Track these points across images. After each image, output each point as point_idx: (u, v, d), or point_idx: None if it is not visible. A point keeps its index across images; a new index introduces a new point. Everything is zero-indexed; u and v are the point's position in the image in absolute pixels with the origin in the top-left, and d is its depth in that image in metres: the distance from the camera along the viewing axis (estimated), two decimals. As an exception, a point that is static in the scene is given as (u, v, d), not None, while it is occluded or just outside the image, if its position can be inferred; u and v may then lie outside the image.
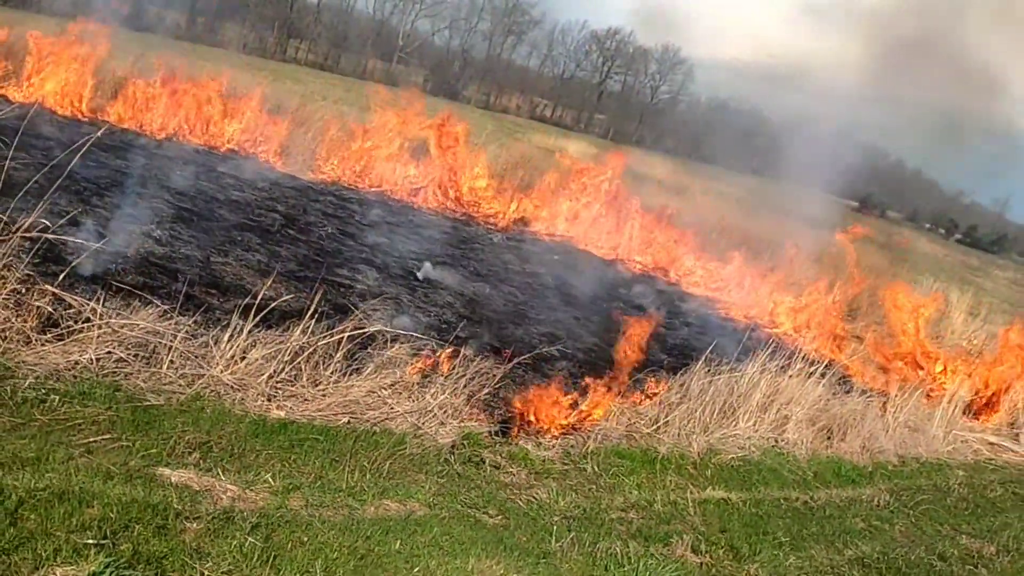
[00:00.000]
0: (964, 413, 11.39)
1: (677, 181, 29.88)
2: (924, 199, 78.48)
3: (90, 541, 3.88)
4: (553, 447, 6.74)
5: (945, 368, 12.84)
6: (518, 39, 79.23)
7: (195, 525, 4.28)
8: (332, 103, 25.34)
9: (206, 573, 3.92)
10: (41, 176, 7.37)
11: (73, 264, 6.23)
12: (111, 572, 3.59)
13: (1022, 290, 38.05)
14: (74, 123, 12.80)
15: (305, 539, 4.45)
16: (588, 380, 7.51)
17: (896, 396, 10.34)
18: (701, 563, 5.67)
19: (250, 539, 4.28)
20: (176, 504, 4.41)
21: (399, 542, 4.71)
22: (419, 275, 10.46)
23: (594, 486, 6.41)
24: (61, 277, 5.91)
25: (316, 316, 6.42)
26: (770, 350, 9.04)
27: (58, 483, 4.28)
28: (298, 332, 6.21)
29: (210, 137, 14.85)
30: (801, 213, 19.88)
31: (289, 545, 4.35)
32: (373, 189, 15.45)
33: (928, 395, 11.35)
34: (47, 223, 6.16)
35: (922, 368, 12.67)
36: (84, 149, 6.59)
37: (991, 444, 11.19)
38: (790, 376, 8.95)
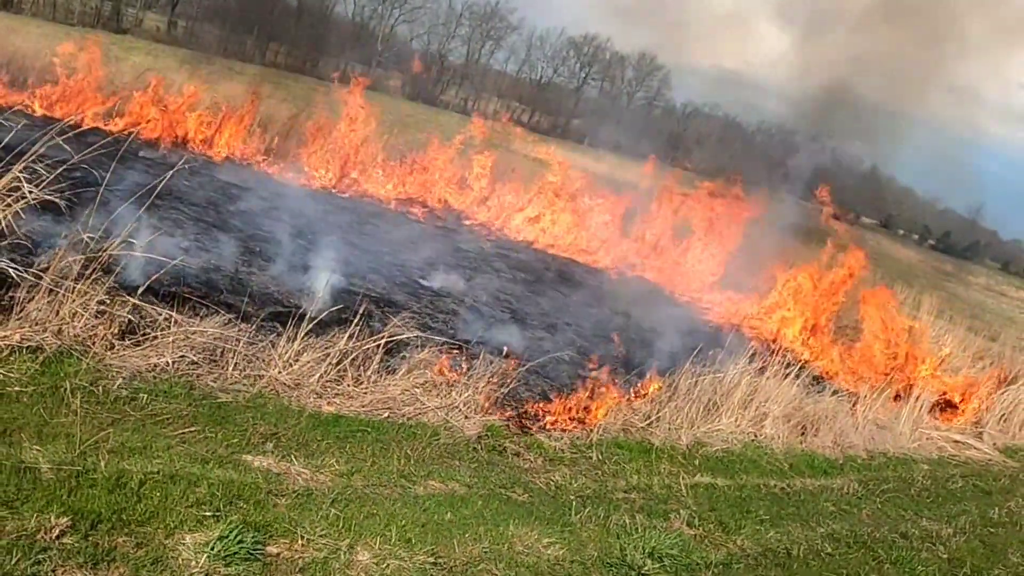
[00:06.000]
0: (930, 413, 12.27)
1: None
2: (899, 206, 79.72)
3: (207, 513, 4.73)
4: (561, 439, 7.62)
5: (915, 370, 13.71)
6: (496, 44, 79.83)
7: (284, 500, 5.14)
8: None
9: (305, 536, 4.79)
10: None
11: (156, 277, 6.97)
12: (236, 535, 4.43)
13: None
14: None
15: (375, 511, 5.33)
16: (590, 381, 8.45)
17: (865, 396, 11.18)
18: (695, 535, 6.59)
19: (332, 511, 5.16)
20: (264, 484, 5.25)
21: (450, 514, 5.61)
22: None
23: (599, 472, 7.30)
24: (141, 289, 6.71)
25: (358, 324, 7.27)
26: (750, 352, 9.92)
27: (166, 468, 5.09)
28: (344, 338, 7.06)
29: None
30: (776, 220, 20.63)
31: (363, 516, 5.23)
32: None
33: (896, 396, 12.26)
34: (134, 240, 6.94)
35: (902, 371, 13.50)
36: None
37: (956, 442, 11.88)
38: (768, 377, 9.73)
